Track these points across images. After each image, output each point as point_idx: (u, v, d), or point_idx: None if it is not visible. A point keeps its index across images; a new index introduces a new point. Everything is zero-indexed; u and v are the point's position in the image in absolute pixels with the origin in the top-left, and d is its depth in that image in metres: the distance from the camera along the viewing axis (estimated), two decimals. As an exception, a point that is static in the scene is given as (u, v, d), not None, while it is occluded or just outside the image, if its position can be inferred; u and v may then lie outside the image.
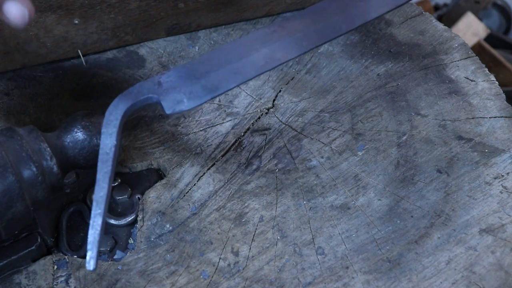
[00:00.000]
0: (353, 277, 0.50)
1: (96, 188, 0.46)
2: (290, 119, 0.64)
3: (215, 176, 0.58)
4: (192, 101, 0.50)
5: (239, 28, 0.74)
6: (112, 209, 0.57)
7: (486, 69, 0.67)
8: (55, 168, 0.48)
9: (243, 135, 0.62)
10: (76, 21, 0.66)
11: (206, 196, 0.56)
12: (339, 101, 0.65)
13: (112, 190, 0.58)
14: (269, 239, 0.53)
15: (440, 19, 1.95)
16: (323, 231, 0.53)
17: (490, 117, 0.62)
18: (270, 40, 0.53)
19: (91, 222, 0.45)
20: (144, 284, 0.50)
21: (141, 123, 0.63)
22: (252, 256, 0.52)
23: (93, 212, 0.45)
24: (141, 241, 0.53)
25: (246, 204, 0.56)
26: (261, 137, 0.62)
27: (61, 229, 0.54)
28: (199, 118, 0.64)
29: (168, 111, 0.50)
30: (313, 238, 0.53)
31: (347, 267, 0.51)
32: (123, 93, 0.49)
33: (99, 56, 0.70)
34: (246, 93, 0.67)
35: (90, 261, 0.44)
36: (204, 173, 0.58)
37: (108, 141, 0.47)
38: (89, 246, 0.44)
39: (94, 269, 0.44)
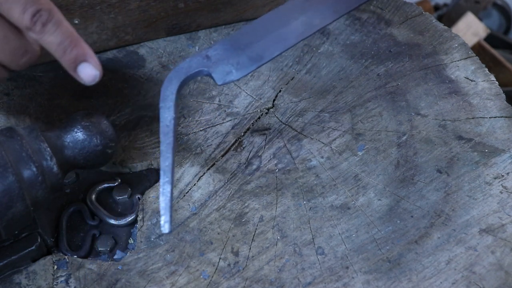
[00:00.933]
0: (353, 277, 0.50)
1: (161, 158, 0.49)
2: (290, 119, 0.64)
3: (215, 176, 0.58)
4: (240, 71, 0.54)
5: (239, 28, 0.74)
6: (112, 209, 0.57)
7: (486, 69, 0.67)
8: (55, 168, 0.48)
9: (243, 135, 0.62)
10: (76, 21, 0.66)
11: (206, 196, 0.57)
12: (339, 101, 0.65)
13: (112, 190, 0.58)
14: (269, 239, 0.53)
15: (440, 19, 1.95)
16: (323, 231, 0.53)
17: (490, 117, 0.62)
18: (306, 8, 0.56)
19: (160, 190, 0.48)
20: (144, 284, 0.50)
21: (141, 123, 0.64)
22: (252, 256, 0.52)
23: (161, 181, 0.49)
24: (141, 241, 0.53)
25: (246, 204, 0.56)
26: (261, 137, 0.62)
27: (61, 229, 0.54)
28: (199, 118, 0.64)
29: (219, 82, 0.53)
30: (313, 238, 0.53)
31: (347, 267, 0.51)
32: (175, 69, 0.53)
33: (99, 56, 0.70)
34: (246, 93, 0.67)
35: (165, 225, 0.48)
36: (204, 173, 0.58)
37: (167, 115, 0.51)
38: (162, 212, 0.48)
39: (170, 232, 0.48)
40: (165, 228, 0.48)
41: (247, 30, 0.55)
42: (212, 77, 0.53)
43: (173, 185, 0.49)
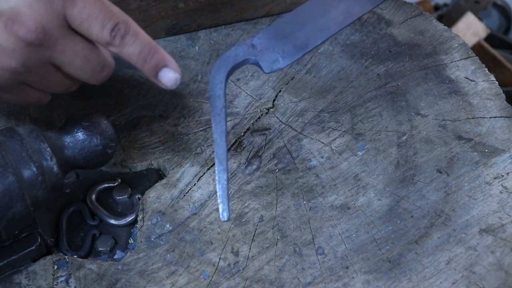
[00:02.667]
0: (353, 277, 0.50)
1: (216, 147, 0.50)
2: (290, 119, 0.64)
3: (215, 176, 0.58)
4: (286, 59, 0.55)
5: (239, 28, 0.74)
6: (112, 209, 0.57)
7: (486, 69, 0.67)
8: (55, 168, 0.48)
9: (243, 135, 0.62)
10: (76, 21, 0.66)
11: (206, 196, 0.57)
12: (339, 101, 0.65)
13: (112, 190, 0.58)
14: (269, 239, 0.53)
15: (440, 19, 1.95)
16: (323, 231, 0.53)
17: (490, 117, 0.62)
18: None
19: (216, 178, 0.49)
20: (144, 284, 0.50)
21: (141, 123, 0.64)
22: (252, 256, 0.52)
23: (217, 169, 0.49)
24: (141, 241, 0.53)
25: (246, 204, 0.56)
26: (261, 137, 0.62)
27: (61, 229, 0.54)
28: (199, 118, 0.64)
29: (266, 70, 0.54)
30: (313, 238, 0.53)
31: (347, 267, 0.51)
32: (221, 58, 0.53)
33: (99, 56, 0.70)
34: (246, 93, 0.67)
35: (223, 213, 0.49)
36: (204, 173, 0.58)
37: (217, 103, 0.51)
38: (220, 200, 0.49)
39: (228, 220, 0.49)
40: (224, 216, 0.49)
41: (289, 19, 0.56)
42: (259, 66, 0.54)
43: (228, 172, 0.50)
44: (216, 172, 0.49)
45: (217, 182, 0.49)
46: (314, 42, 0.55)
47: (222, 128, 0.51)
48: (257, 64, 0.54)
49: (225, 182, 0.49)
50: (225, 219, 0.49)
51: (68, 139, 0.50)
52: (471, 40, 1.86)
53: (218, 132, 0.50)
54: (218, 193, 0.49)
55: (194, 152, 0.60)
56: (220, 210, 0.49)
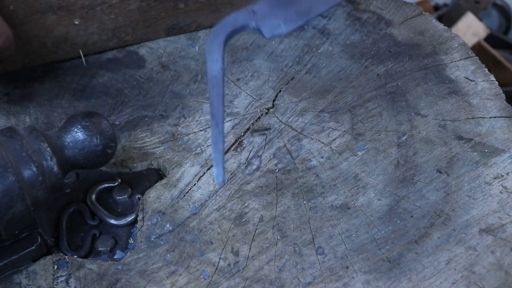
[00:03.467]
0: (353, 277, 0.50)
1: (212, 109, 0.48)
2: (290, 119, 0.64)
3: (210, 138, 0.58)
4: (288, 25, 0.52)
5: None
6: (112, 209, 0.57)
7: (486, 69, 0.67)
8: (55, 168, 0.48)
9: (243, 135, 0.62)
10: (77, 22, 0.66)
11: (206, 196, 0.57)
12: (339, 101, 0.65)
13: (112, 190, 0.58)
14: (269, 239, 0.53)
15: (440, 19, 1.95)
16: (323, 231, 0.53)
17: (490, 117, 0.62)
18: None
19: (212, 140, 0.47)
20: (144, 284, 0.50)
21: (141, 123, 0.64)
22: (252, 256, 0.52)
23: (212, 131, 0.47)
24: (141, 241, 0.53)
25: (246, 204, 0.56)
26: (261, 137, 0.62)
27: (61, 229, 0.54)
28: (199, 118, 0.64)
29: (267, 35, 0.52)
30: (313, 238, 0.53)
31: (347, 267, 0.51)
32: (220, 23, 0.51)
33: (99, 56, 0.70)
34: (246, 93, 0.67)
35: (218, 176, 0.46)
36: (204, 173, 0.58)
37: (214, 66, 0.49)
38: (214, 162, 0.46)
39: (224, 182, 0.47)
40: (219, 179, 0.46)
41: None
42: (260, 31, 0.52)
43: (223, 136, 0.47)
44: (212, 134, 0.47)
45: (212, 145, 0.47)
46: (318, 9, 0.53)
47: (218, 90, 0.48)
48: (257, 29, 0.52)
49: (221, 145, 0.47)
50: (220, 181, 0.46)
51: (68, 139, 0.50)
52: (471, 40, 1.86)
53: (214, 94, 0.48)
54: (212, 156, 0.46)
55: (194, 152, 0.60)
56: (215, 173, 0.46)
